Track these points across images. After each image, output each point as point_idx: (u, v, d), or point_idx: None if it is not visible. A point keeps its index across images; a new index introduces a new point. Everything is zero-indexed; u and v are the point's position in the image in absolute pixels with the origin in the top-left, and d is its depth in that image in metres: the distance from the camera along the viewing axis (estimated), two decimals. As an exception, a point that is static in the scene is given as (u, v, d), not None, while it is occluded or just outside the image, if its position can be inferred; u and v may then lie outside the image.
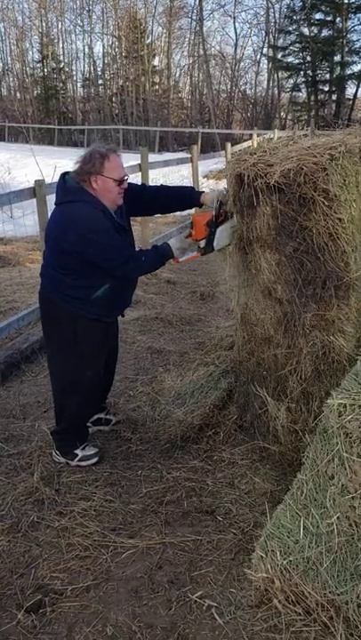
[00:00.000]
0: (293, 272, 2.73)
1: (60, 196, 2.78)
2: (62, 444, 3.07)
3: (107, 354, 3.11)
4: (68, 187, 2.75)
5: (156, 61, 32.15)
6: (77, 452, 3.06)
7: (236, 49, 32.00)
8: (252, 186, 2.67)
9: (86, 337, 2.88)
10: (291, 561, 2.09)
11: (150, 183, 6.91)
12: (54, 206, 2.82)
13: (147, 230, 7.42)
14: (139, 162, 7.36)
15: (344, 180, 2.54)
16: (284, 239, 2.68)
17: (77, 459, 3.05)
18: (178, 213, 8.19)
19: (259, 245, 2.81)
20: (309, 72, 24.58)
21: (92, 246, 2.67)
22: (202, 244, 2.85)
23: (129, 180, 2.85)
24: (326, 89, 24.83)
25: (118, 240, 2.74)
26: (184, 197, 3.08)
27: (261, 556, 2.13)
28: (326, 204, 2.50)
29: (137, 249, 3.02)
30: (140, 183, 3.11)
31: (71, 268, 2.77)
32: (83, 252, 2.69)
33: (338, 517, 2.10)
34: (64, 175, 2.80)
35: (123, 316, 3.17)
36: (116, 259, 2.72)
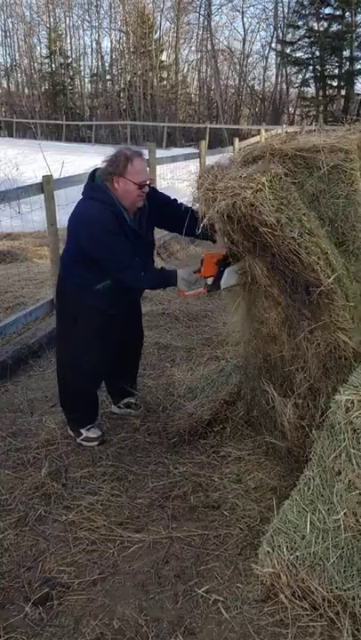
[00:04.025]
0: (281, 278, 2.72)
1: (86, 189, 2.92)
2: (69, 419, 3.27)
3: (118, 345, 3.18)
4: (94, 183, 2.89)
5: (163, 56, 32.10)
6: (82, 431, 3.21)
7: (244, 44, 31.86)
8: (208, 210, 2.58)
9: (85, 323, 3.01)
10: (297, 556, 2.09)
11: (158, 179, 6.89)
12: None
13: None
14: (146, 157, 7.35)
15: (281, 202, 2.43)
16: (259, 251, 2.64)
17: (81, 438, 3.21)
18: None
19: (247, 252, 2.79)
20: (318, 67, 24.43)
21: (95, 245, 2.81)
22: (209, 281, 2.87)
23: (162, 191, 2.99)
24: (335, 84, 24.69)
25: (123, 245, 2.81)
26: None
27: (268, 551, 2.14)
28: (270, 231, 2.42)
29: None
30: (173, 198, 3.17)
31: (79, 257, 2.91)
32: (88, 247, 2.83)
33: (345, 513, 2.10)
34: (95, 171, 2.93)
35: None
36: (115, 263, 2.84)
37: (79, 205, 2.92)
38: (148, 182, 2.85)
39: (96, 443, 3.19)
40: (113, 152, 2.90)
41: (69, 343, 3.12)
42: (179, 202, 3.16)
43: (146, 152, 7.48)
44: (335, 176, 2.63)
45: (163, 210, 3.06)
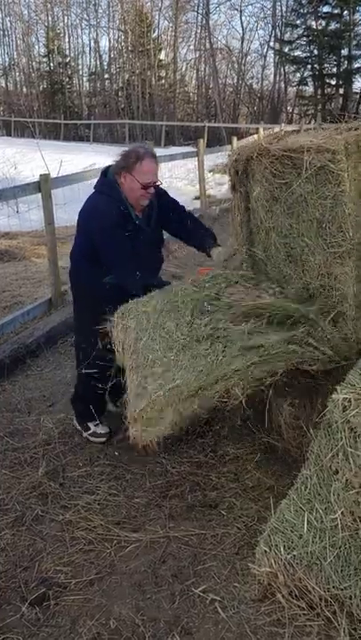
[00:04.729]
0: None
1: (97, 183, 3.01)
2: (78, 413, 3.29)
3: None
4: (105, 177, 2.97)
5: (162, 55, 32.07)
6: (90, 425, 3.22)
7: (242, 43, 31.80)
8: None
9: (96, 313, 2.96)
10: (294, 555, 2.08)
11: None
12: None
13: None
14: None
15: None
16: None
17: (89, 432, 3.22)
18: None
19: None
20: (316, 66, 24.41)
21: (103, 237, 2.86)
22: None
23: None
24: (333, 82, 24.66)
25: (122, 243, 2.84)
26: (203, 240, 3.18)
27: (265, 551, 2.13)
28: None
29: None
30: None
31: (89, 251, 2.95)
32: (97, 239, 2.89)
33: (342, 512, 2.09)
34: (109, 166, 2.99)
35: None
36: (110, 258, 2.87)
37: (89, 199, 3.00)
38: (153, 183, 2.88)
39: (103, 439, 3.19)
40: (128, 148, 2.97)
41: (83, 334, 3.15)
42: (185, 209, 3.24)
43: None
44: (322, 177, 2.60)
45: (168, 214, 3.11)
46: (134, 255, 2.89)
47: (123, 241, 2.85)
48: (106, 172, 2.99)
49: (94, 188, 3.03)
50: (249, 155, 2.79)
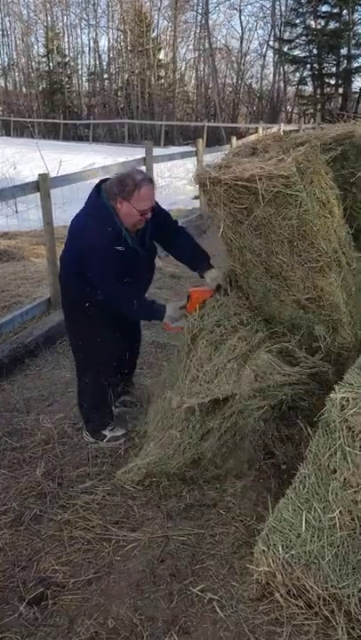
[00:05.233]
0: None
1: (90, 204, 2.92)
2: (90, 424, 3.21)
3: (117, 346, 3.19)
4: (99, 199, 2.87)
5: (161, 55, 32.04)
6: (105, 432, 3.19)
7: (241, 42, 31.81)
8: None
9: (90, 318, 3.03)
10: (293, 555, 2.08)
11: (156, 177, 6.87)
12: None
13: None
14: (143, 155, 7.34)
15: None
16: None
17: (106, 439, 3.18)
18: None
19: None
20: (316, 65, 24.42)
21: (89, 261, 2.84)
22: None
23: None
24: (333, 82, 24.67)
25: (111, 272, 2.83)
26: (195, 260, 3.20)
27: (263, 550, 2.13)
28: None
29: None
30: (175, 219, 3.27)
31: (77, 259, 2.90)
32: (87, 270, 2.87)
33: (340, 511, 2.09)
34: (101, 183, 2.91)
35: None
36: (100, 285, 2.87)
37: (82, 219, 2.92)
38: (151, 209, 2.86)
39: (123, 440, 3.18)
40: (123, 172, 2.93)
41: (80, 341, 3.14)
42: (179, 225, 3.24)
43: (143, 150, 7.50)
44: (281, 200, 2.49)
45: (161, 233, 3.09)
46: (129, 277, 2.88)
47: (120, 271, 2.83)
48: (99, 190, 2.90)
49: (86, 206, 2.94)
50: (202, 182, 2.65)
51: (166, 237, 3.14)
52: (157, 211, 2.99)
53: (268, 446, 2.89)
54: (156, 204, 2.98)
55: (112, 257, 2.81)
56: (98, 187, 2.91)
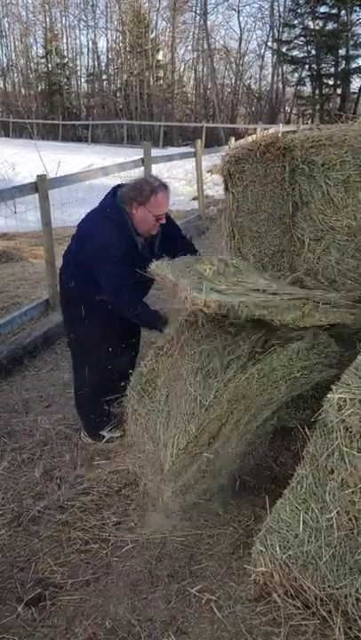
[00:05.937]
0: None
1: (105, 205, 2.95)
2: (88, 425, 3.22)
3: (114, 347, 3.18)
4: (114, 202, 2.91)
5: (160, 56, 32.05)
6: (104, 433, 3.19)
7: (240, 43, 31.84)
8: None
9: (91, 319, 3.05)
10: (290, 555, 2.08)
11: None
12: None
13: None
14: (141, 156, 7.34)
15: None
16: None
17: (105, 440, 3.18)
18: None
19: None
20: (314, 66, 24.49)
21: (96, 261, 2.87)
22: None
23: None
24: (331, 82, 24.73)
25: (120, 271, 2.84)
26: None
27: (261, 551, 2.13)
28: None
29: None
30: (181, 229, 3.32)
31: (81, 260, 2.94)
32: (94, 268, 2.89)
33: (337, 512, 2.10)
34: (117, 188, 2.95)
35: None
36: (107, 284, 2.89)
37: (93, 219, 2.96)
38: (165, 215, 2.90)
39: (119, 439, 3.18)
40: (139, 178, 2.98)
41: (79, 341, 3.16)
42: (186, 238, 3.28)
43: (142, 151, 7.50)
44: None
45: (170, 243, 3.10)
46: (134, 282, 2.88)
47: (123, 268, 2.84)
48: (114, 194, 2.93)
49: (101, 206, 2.97)
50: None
51: (170, 246, 3.12)
52: (168, 222, 3.03)
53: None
54: (169, 219, 3.04)
55: (121, 259, 2.83)
56: (114, 190, 2.95)
